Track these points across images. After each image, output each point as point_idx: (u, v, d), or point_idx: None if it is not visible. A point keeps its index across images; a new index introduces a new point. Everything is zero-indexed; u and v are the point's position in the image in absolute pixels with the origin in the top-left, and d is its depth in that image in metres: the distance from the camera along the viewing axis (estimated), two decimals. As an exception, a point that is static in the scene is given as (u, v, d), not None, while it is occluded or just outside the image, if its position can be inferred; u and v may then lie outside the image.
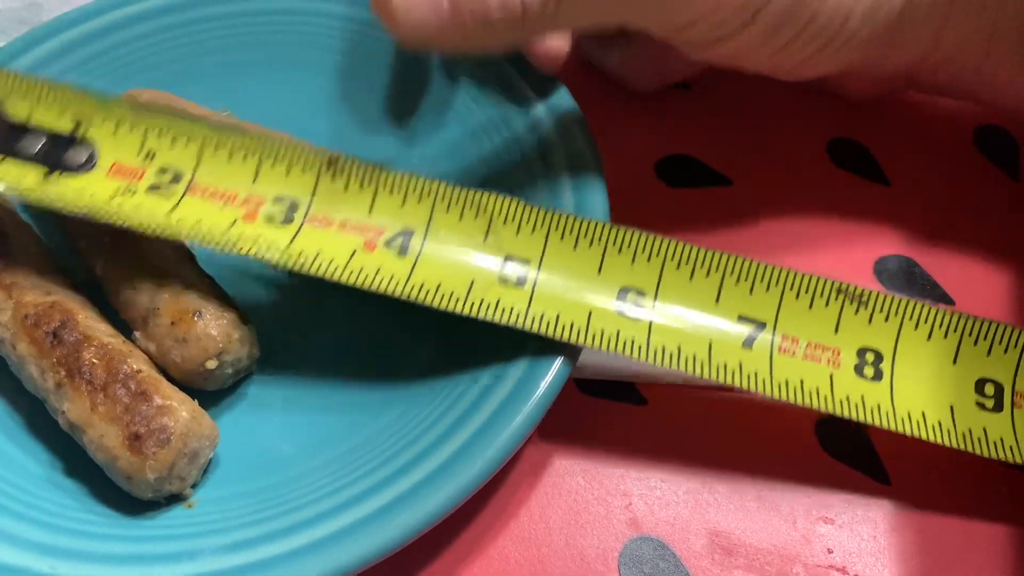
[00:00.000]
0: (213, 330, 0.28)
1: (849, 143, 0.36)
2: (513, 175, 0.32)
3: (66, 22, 0.37)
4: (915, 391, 0.26)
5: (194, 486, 0.27)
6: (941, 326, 0.27)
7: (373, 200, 0.28)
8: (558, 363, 0.27)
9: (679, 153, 0.36)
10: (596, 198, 0.30)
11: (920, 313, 0.27)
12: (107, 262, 0.30)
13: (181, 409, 0.26)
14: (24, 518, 0.26)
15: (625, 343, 0.26)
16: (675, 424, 0.30)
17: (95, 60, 0.36)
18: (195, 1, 0.37)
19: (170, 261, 0.29)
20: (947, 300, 0.32)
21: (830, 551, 0.27)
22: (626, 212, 0.30)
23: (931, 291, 0.32)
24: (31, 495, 0.27)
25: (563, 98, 0.33)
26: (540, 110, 0.33)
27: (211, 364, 0.28)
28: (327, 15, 0.37)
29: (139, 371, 0.27)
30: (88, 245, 0.30)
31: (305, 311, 0.32)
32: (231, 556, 0.25)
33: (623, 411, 0.30)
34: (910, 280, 0.33)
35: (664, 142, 0.37)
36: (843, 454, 0.29)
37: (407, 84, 0.36)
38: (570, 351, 0.27)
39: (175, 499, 0.27)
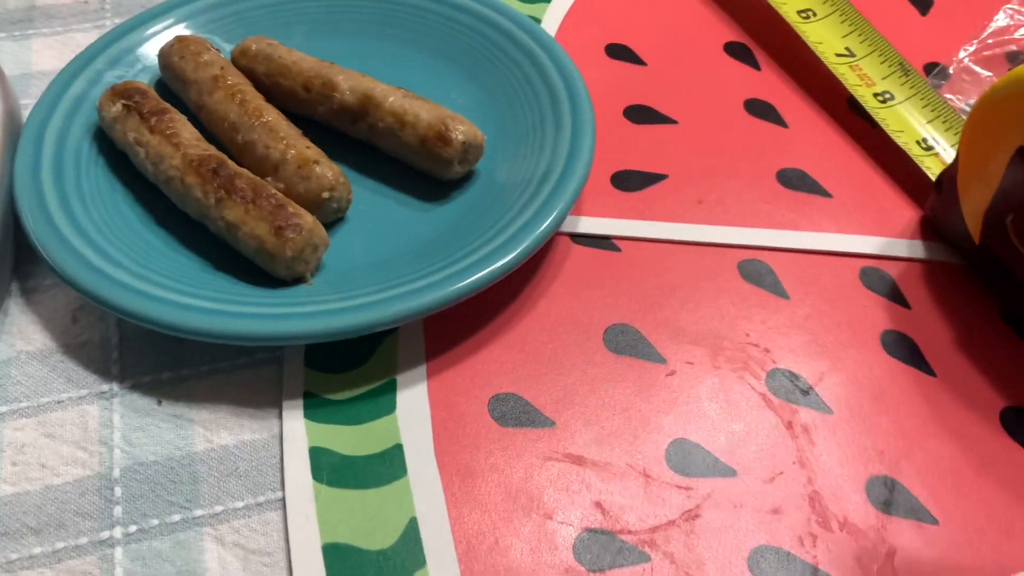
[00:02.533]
0: (328, 172, 0.40)
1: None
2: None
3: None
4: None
5: (311, 274, 0.39)
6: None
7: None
8: (569, 193, 0.40)
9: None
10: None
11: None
12: (245, 134, 0.42)
13: (307, 216, 0.39)
14: (195, 295, 0.37)
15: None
16: (639, 265, 0.43)
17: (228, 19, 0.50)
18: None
19: (292, 133, 0.42)
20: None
21: (747, 334, 0.40)
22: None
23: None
24: (196, 281, 0.38)
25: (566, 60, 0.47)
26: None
27: (326, 195, 0.40)
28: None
29: (276, 193, 0.39)
30: (227, 125, 0.43)
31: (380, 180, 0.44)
32: (340, 302, 0.37)
33: (604, 255, 0.43)
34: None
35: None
36: (755, 282, 0.42)
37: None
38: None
39: (298, 281, 0.39)
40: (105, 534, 0.33)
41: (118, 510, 0.34)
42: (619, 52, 0.53)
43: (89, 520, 0.33)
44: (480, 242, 0.39)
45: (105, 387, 0.37)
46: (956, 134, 0.47)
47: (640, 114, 0.50)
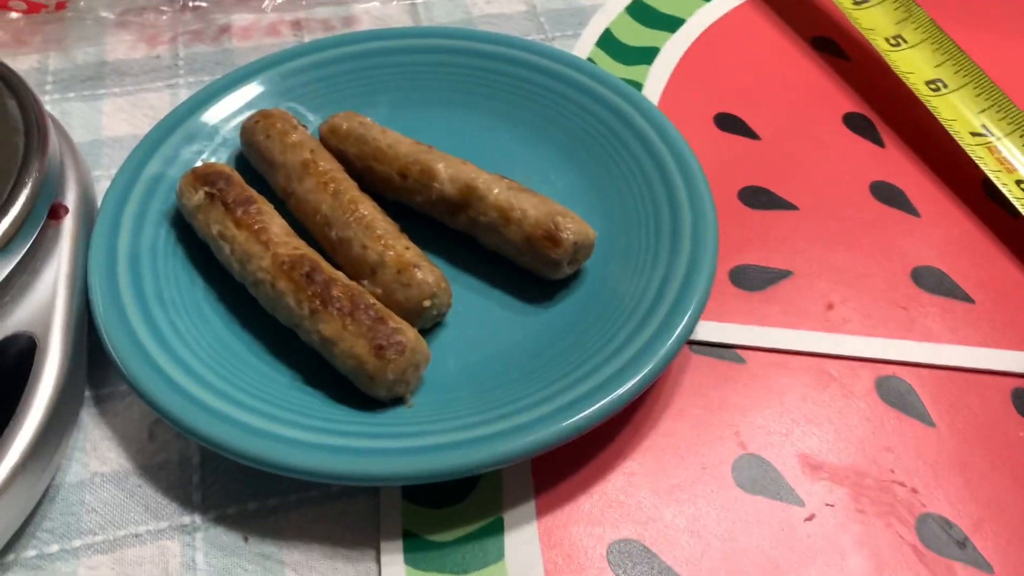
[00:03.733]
0: (429, 278, 0.37)
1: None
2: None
3: (276, 58, 0.47)
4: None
5: (412, 393, 0.36)
6: None
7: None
8: (694, 303, 0.36)
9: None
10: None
11: None
12: (340, 230, 0.38)
13: (409, 331, 0.35)
14: (283, 421, 0.34)
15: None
16: (767, 379, 0.39)
17: (302, 88, 0.46)
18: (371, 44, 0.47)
19: (390, 230, 0.38)
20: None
21: (892, 471, 0.36)
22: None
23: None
24: (283, 401, 0.35)
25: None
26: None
27: (427, 303, 0.36)
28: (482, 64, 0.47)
29: (375, 304, 0.36)
30: (320, 218, 0.39)
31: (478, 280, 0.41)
32: (443, 435, 0.33)
33: (726, 367, 0.39)
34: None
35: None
36: (896, 404, 0.38)
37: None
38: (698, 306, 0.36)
39: (397, 402, 0.35)
40: None
41: (203, 673, 0.30)
42: (729, 123, 0.49)
43: None
44: (597, 361, 0.35)
45: (187, 519, 0.34)
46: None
47: (757, 197, 0.46)
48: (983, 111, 0.47)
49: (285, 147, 0.41)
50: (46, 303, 0.36)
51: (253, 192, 0.40)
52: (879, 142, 0.49)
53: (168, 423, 0.35)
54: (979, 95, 0.48)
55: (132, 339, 0.35)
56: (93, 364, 0.38)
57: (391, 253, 0.37)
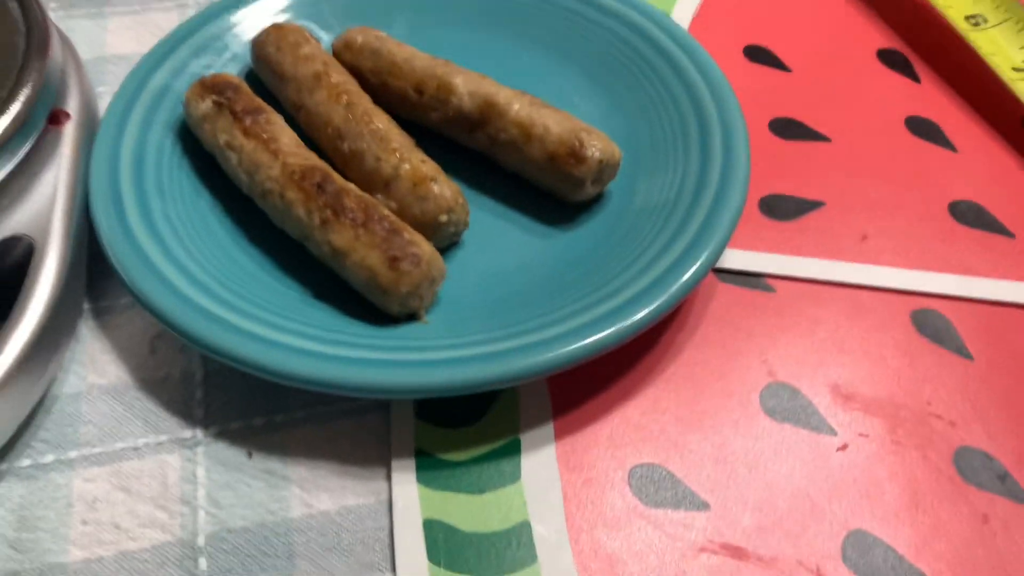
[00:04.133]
0: (447, 192, 0.35)
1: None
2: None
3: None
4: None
5: (426, 310, 0.34)
6: None
7: None
8: (723, 227, 0.34)
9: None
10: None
11: None
12: (352, 142, 0.36)
13: (425, 244, 0.33)
14: (292, 332, 0.32)
15: None
16: (798, 309, 0.37)
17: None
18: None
19: (405, 143, 0.36)
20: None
21: (929, 403, 0.34)
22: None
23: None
24: (293, 314, 0.33)
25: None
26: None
27: (443, 218, 0.35)
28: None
29: (389, 215, 0.34)
30: (331, 130, 0.37)
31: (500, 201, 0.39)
32: (458, 350, 0.31)
33: (754, 296, 0.37)
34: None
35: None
36: (933, 337, 0.36)
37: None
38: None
39: (411, 318, 0.33)
40: (188, 617, 0.28)
41: (203, 587, 0.29)
42: (759, 55, 0.47)
43: (170, 599, 0.29)
44: (618, 283, 0.34)
45: (187, 433, 0.32)
46: None
47: (788, 128, 0.44)
48: None
49: (296, 59, 0.39)
50: (45, 207, 0.34)
51: (262, 102, 0.38)
52: (914, 77, 0.47)
53: (171, 333, 0.34)
54: (1021, 30, 0.46)
55: (134, 247, 0.34)
56: (93, 277, 0.36)
57: (407, 166, 0.35)
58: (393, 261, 0.32)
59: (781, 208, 0.40)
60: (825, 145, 0.43)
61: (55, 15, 0.47)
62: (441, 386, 0.30)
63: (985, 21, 0.46)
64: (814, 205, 0.40)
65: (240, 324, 0.32)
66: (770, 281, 0.38)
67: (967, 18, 0.47)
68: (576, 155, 0.36)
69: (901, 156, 0.43)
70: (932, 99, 0.45)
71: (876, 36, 0.49)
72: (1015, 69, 0.44)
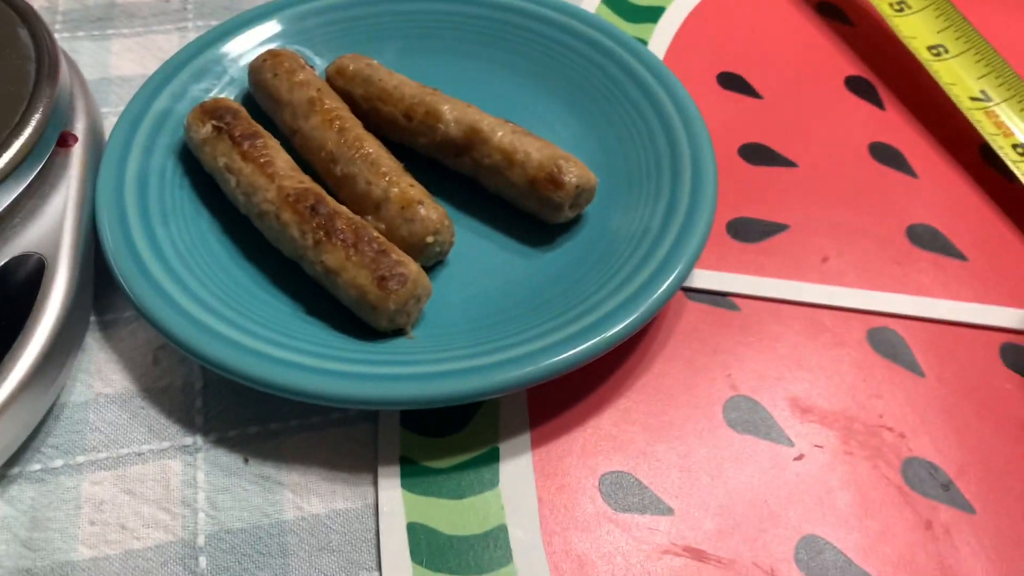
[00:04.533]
0: (433, 215, 0.37)
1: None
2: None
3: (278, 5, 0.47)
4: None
5: (412, 326, 0.36)
6: None
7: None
8: (692, 247, 0.37)
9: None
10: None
11: None
12: (344, 166, 0.39)
13: (412, 264, 0.35)
14: (285, 346, 0.34)
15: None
16: (761, 327, 0.39)
17: (315, 32, 0.46)
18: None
19: (394, 168, 0.39)
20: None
21: (881, 416, 0.37)
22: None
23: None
24: (286, 329, 0.35)
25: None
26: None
27: (430, 239, 0.37)
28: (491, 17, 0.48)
29: (378, 237, 0.36)
30: (325, 154, 0.39)
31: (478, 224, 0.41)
32: (442, 364, 0.34)
33: (721, 314, 0.40)
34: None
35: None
36: (887, 354, 0.39)
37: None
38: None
39: (398, 333, 0.36)
40: (189, 612, 0.31)
41: (202, 584, 0.31)
42: (732, 82, 0.50)
43: (172, 595, 0.31)
44: (593, 301, 0.36)
45: (188, 440, 0.35)
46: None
47: (757, 154, 0.46)
48: (982, 76, 0.48)
49: (292, 85, 0.41)
50: (55, 227, 0.36)
51: (259, 127, 0.40)
52: (879, 104, 0.49)
53: (172, 346, 0.36)
54: (979, 61, 0.48)
55: (138, 264, 0.36)
56: (99, 291, 0.39)
57: (395, 190, 0.38)
58: (382, 280, 0.35)
59: (748, 231, 0.43)
60: (792, 170, 0.45)
61: (60, 36, 0.50)
62: (426, 398, 0.33)
63: (946, 51, 0.49)
64: (779, 228, 0.43)
65: (237, 338, 0.34)
66: (736, 300, 0.40)
67: (929, 48, 0.49)
68: (555, 181, 0.38)
69: (864, 181, 0.45)
70: (896, 126, 0.48)
71: (845, 64, 0.51)
72: (972, 99, 0.47)
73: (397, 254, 0.36)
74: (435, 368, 0.34)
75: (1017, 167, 0.44)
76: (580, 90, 0.45)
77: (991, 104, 0.47)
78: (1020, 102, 0.46)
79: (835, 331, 0.39)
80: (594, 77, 0.45)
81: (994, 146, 0.45)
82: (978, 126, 0.46)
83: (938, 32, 0.50)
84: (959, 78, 0.48)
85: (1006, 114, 0.46)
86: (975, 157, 0.47)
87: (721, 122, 0.47)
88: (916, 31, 0.50)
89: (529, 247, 0.40)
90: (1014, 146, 0.45)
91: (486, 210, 0.41)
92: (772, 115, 0.48)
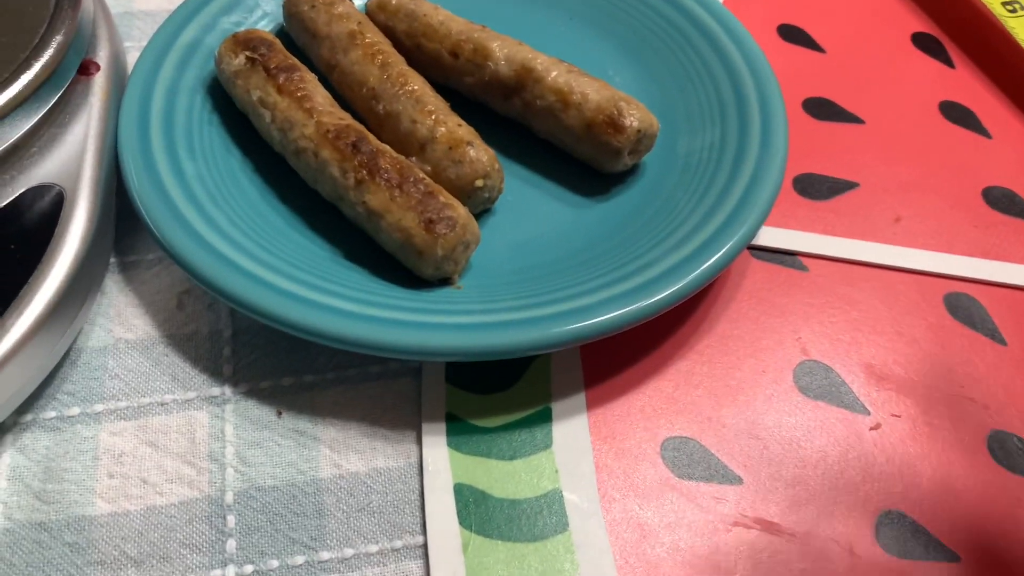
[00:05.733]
0: (483, 156, 0.34)
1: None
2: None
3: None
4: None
5: (459, 275, 0.33)
6: None
7: None
8: (760, 204, 0.34)
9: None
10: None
11: None
12: (388, 104, 0.36)
13: (460, 208, 0.33)
14: (323, 290, 0.32)
15: None
16: (831, 288, 0.36)
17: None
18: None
19: (441, 107, 0.36)
20: None
21: (962, 386, 0.34)
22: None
23: None
24: (324, 273, 0.33)
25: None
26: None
27: (479, 183, 0.34)
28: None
29: (424, 178, 0.33)
30: (366, 91, 0.37)
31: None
32: (492, 315, 0.31)
33: (788, 274, 0.37)
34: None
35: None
36: (966, 321, 0.36)
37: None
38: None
39: (444, 283, 0.33)
40: (216, 573, 0.28)
41: (231, 544, 0.29)
42: (793, 35, 0.47)
43: (198, 554, 0.28)
44: (652, 256, 0.33)
45: (216, 391, 0.32)
46: None
47: (822, 109, 0.43)
48: None
49: (331, 18, 0.38)
50: (75, 158, 0.34)
51: (296, 60, 0.37)
52: (949, 62, 0.46)
53: (198, 290, 0.33)
54: None
55: (164, 199, 0.33)
56: (119, 233, 0.36)
57: (442, 129, 0.35)
58: (429, 223, 0.32)
59: (815, 188, 0.40)
60: (859, 127, 0.43)
61: (81, -32, 0.47)
62: (474, 350, 0.30)
63: (1022, 7, 0.46)
64: (848, 186, 0.40)
65: (271, 280, 0.31)
66: (804, 260, 0.37)
67: (1004, 4, 0.46)
68: (614, 124, 0.35)
69: (934, 141, 0.42)
70: (966, 85, 0.45)
71: (911, 20, 0.48)
72: None
73: (445, 196, 0.33)
74: (484, 319, 0.31)
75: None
76: (637, 35, 0.42)
77: None
78: None
79: (910, 295, 0.36)
80: (652, 23, 0.42)
81: None
82: (1012, 31, 0.43)
83: (1013, -13, 0.47)
84: (1036, 35, 0.45)
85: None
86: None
87: (783, 75, 0.44)
88: (990, -15, 0.47)
89: (582, 197, 0.37)
90: None
91: (536, 157, 0.38)
92: (836, 70, 0.45)
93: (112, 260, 0.35)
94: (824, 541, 0.30)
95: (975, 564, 0.29)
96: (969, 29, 0.48)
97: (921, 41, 0.47)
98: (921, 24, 0.48)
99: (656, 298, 0.31)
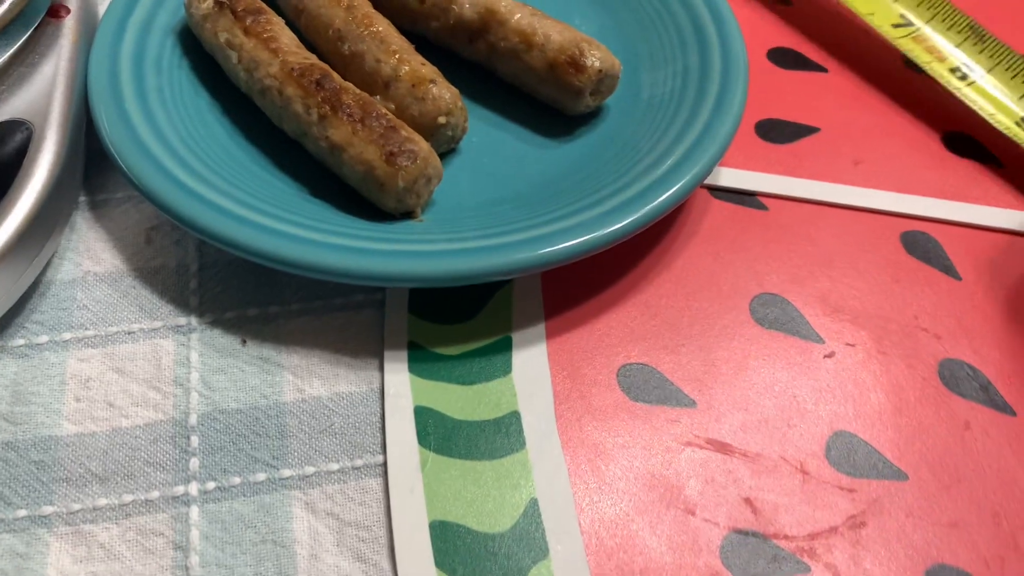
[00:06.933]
0: (445, 94, 0.35)
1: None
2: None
3: None
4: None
5: (422, 209, 0.34)
6: None
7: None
8: (718, 140, 0.34)
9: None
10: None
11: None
12: (353, 44, 0.37)
13: (422, 142, 0.33)
14: (289, 221, 0.32)
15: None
16: (789, 227, 0.37)
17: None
18: None
19: (405, 47, 0.36)
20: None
21: (916, 317, 0.35)
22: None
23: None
24: (290, 207, 0.33)
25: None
26: None
27: (442, 119, 0.35)
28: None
29: (387, 114, 0.34)
30: (332, 32, 0.37)
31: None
32: (453, 243, 0.32)
33: (748, 213, 0.38)
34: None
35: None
36: (921, 258, 0.36)
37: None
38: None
39: (407, 216, 0.34)
40: (180, 489, 0.29)
41: (194, 463, 0.29)
42: (759, -12, 0.47)
43: (162, 472, 0.29)
44: (611, 189, 0.34)
45: (182, 320, 0.33)
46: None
47: (786, 58, 0.44)
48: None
49: (299, -36, 0.39)
50: (44, 94, 0.34)
51: (263, 4, 0.38)
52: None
53: (167, 225, 0.34)
54: None
55: (133, 137, 0.34)
56: (89, 173, 0.37)
57: (406, 68, 0.35)
58: (390, 156, 0.32)
59: (777, 132, 0.41)
60: (822, 75, 0.43)
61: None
62: (436, 276, 0.31)
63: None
64: (809, 131, 0.41)
65: (238, 212, 0.32)
66: (764, 200, 0.38)
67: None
68: (576, 64, 0.36)
69: (896, 88, 0.43)
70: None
71: (876, -25, 0.49)
72: (895, 25, 0.43)
73: (407, 131, 0.33)
74: (446, 247, 0.32)
75: (960, 92, 0.40)
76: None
77: (914, 29, 0.42)
78: (943, 21, 0.42)
79: (868, 233, 0.37)
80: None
81: (933, 74, 0.41)
82: (909, 54, 0.42)
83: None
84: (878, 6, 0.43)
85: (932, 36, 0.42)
86: (1013, 69, 0.44)
87: (749, 25, 0.45)
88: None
89: (546, 138, 0.38)
90: (952, 70, 0.41)
91: (501, 100, 0.39)
92: (802, 20, 0.46)
93: (82, 199, 0.36)
94: (775, 460, 0.30)
95: (922, 482, 0.30)
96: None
97: (886, -5, 0.48)
98: (887, -21, 0.49)
99: (613, 227, 0.32)
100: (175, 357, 0.32)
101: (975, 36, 0.41)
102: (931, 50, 0.41)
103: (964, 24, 0.42)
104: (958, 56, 0.41)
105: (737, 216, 0.37)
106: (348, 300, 0.33)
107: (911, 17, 0.42)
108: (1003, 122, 0.39)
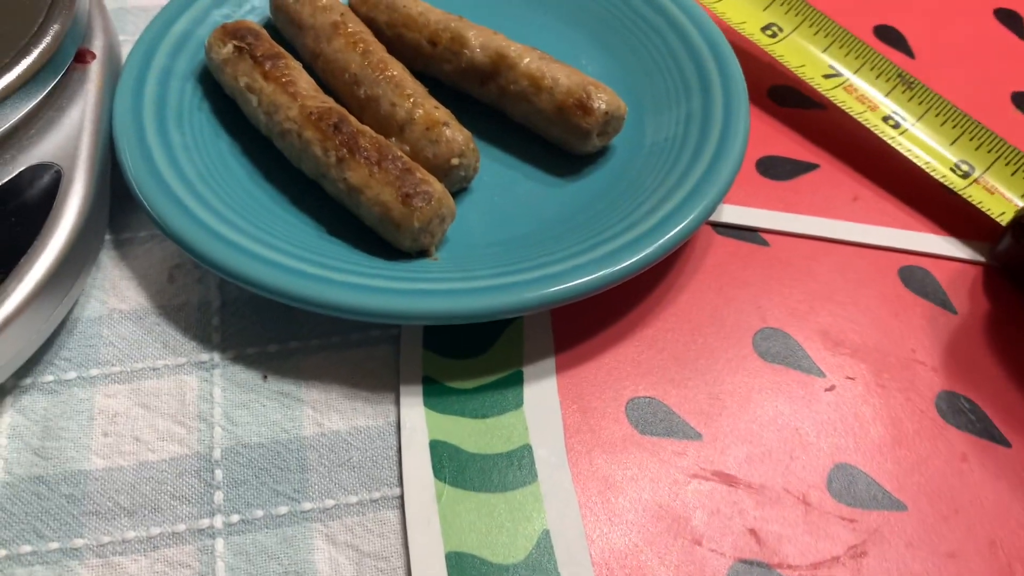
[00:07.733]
0: (458, 136, 0.36)
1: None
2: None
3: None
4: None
5: (436, 247, 0.35)
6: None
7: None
8: (721, 179, 0.36)
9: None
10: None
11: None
12: (368, 88, 0.38)
13: (436, 184, 0.35)
14: (308, 260, 0.33)
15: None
16: (791, 262, 0.38)
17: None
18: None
19: (419, 91, 0.38)
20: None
21: (913, 351, 0.36)
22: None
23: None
24: (308, 246, 0.34)
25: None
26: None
27: (455, 161, 0.36)
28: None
29: (402, 156, 0.35)
30: (348, 76, 0.39)
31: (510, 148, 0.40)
32: (466, 282, 0.33)
33: (750, 249, 0.39)
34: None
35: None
36: (919, 292, 0.38)
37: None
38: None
39: (422, 255, 0.35)
40: (205, 522, 0.30)
41: (219, 496, 0.30)
42: (760, 27, 0.49)
43: (187, 505, 0.30)
44: (619, 228, 0.35)
45: (205, 356, 0.34)
46: (993, 152, 0.40)
47: (786, 96, 0.45)
48: (826, 50, 0.43)
49: (315, 10, 0.40)
50: (72, 139, 0.35)
51: (281, 48, 0.39)
52: (909, 53, 0.48)
53: (188, 265, 0.35)
54: (817, 32, 0.44)
55: (157, 178, 0.35)
56: (114, 212, 0.38)
57: (420, 111, 0.37)
58: (406, 198, 0.34)
59: (777, 169, 0.42)
60: (821, 112, 0.45)
61: (77, -33, 0.49)
62: (450, 314, 0.32)
63: (781, 30, 0.48)
64: (809, 167, 0.42)
65: (258, 251, 0.33)
66: (765, 236, 0.39)
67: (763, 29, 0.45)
68: (583, 107, 0.37)
69: (894, 125, 0.44)
70: (926, 76, 0.47)
71: (874, 12, 0.50)
72: (826, 76, 0.46)
73: (422, 173, 0.35)
74: (460, 285, 0.33)
75: (895, 142, 0.41)
76: (607, 26, 0.44)
77: (845, 80, 0.42)
78: (872, 70, 0.42)
79: (867, 268, 0.38)
80: (622, 13, 0.45)
81: (868, 125, 0.41)
82: (843, 106, 0.42)
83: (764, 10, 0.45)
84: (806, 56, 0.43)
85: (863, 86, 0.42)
86: (1006, 105, 0.46)
87: (750, 66, 0.46)
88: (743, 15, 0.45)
89: (555, 177, 0.39)
90: (884, 119, 0.41)
91: (511, 141, 0.40)
92: (800, 60, 0.47)
93: (107, 237, 0.37)
94: (779, 492, 0.32)
95: (921, 512, 0.31)
96: (925, 23, 0.50)
97: (883, 33, 0.49)
98: (884, 17, 0.50)
99: (621, 265, 0.33)
100: (199, 392, 0.33)
101: (903, 84, 0.42)
102: (863, 99, 0.42)
103: (892, 72, 0.42)
104: (888, 105, 0.41)
105: (740, 252, 0.39)
106: (365, 336, 0.35)
107: (840, 68, 0.42)
108: (939, 169, 0.40)
